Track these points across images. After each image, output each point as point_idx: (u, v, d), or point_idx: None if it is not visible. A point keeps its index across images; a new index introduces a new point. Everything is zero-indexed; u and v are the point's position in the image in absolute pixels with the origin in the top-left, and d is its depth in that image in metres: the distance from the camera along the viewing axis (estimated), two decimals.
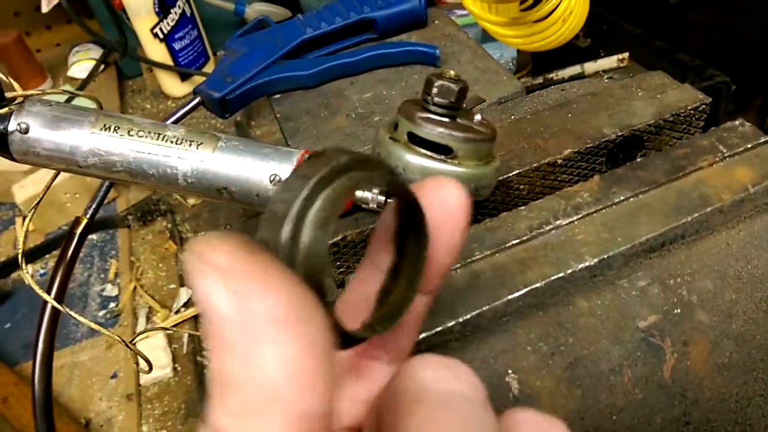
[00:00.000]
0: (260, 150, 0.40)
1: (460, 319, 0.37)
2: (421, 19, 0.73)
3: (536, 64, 1.40)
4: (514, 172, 0.44)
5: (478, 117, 0.39)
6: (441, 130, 0.36)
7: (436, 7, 0.76)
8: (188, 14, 1.12)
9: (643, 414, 0.38)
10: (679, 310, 0.39)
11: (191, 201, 0.95)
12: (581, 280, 0.38)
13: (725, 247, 0.40)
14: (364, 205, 0.42)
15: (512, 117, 0.50)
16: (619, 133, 0.45)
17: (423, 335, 0.36)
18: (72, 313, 0.46)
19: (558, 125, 0.47)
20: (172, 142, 0.39)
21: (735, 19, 1.99)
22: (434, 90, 0.36)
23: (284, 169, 0.40)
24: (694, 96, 0.46)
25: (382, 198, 0.42)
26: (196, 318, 0.82)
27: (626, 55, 1.35)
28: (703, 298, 0.39)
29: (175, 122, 0.68)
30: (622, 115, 0.46)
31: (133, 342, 0.54)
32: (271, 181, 0.39)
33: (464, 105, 0.63)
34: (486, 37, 1.21)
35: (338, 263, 0.42)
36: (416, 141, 0.37)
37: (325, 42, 0.71)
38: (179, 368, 0.78)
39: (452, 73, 0.37)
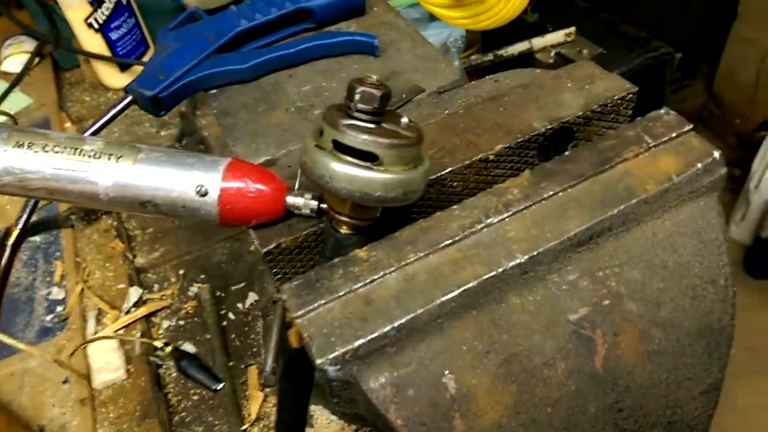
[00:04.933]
0: (184, 160, 0.39)
1: (395, 324, 0.37)
2: (360, 7, 0.72)
3: (485, 42, 1.40)
4: (446, 170, 0.44)
5: (404, 120, 0.39)
6: (365, 137, 0.36)
7: None
8: (124, 2, 1.07)
9: (577, 404, 0.39)
10: (608, 302, 0.40)
11: None
12: (513, 278, 0.39)
13: (651, 237, 0.41)
14: (296, 211, 0.42)
15: (446, 111, 0.50)
16: (549, 126, 0.45)
17: (358, 342, 0.36)
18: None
19: (490, 120, 0.47)
20: (90, 156, 0.38)
21: None
22: (356, 96, 0.36)
23: (210, 178, 0.39)
24: (621, 85, 0.47)
25: (314, 203, 0.41)
26: (147, 318, 0.81)
27: (573, 29, 1.36)
28: (631, 288, 0.40)
29: (108, 122, 0.66)
30: (551, 108, 0.46)
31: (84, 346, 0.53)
32: (197, 192, 0.38)
33: (404, 95, 0.62)
34: (433, 16, 1.20)
35: (274, 271, 0.42)
36: (342, 148, 0.36)
37: (260, 33, 0.69)
38: (132, 370, 0.77)
39: (374, 77, 0.36)
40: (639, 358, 0.40)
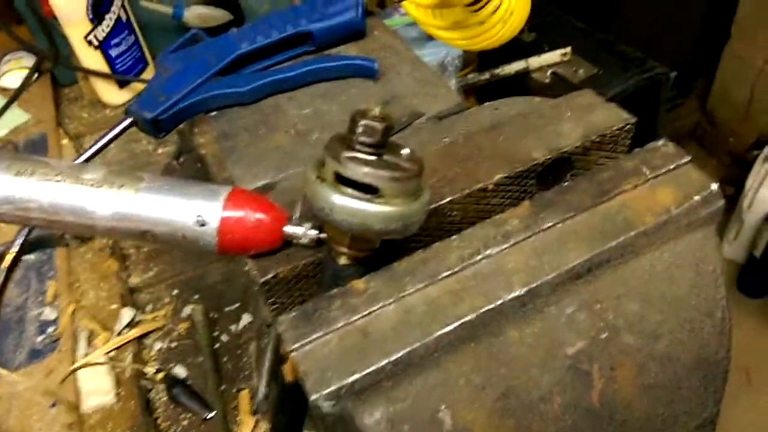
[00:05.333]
0: (185, 189, 0.39)
1: (392, 358, 0.36)
2: (360, 31, 0.72)
3: (482, 61, 1.41)
4: (446, 200, 0.44)
5: (405, 151, 0.39)
6: (366, 170, 0.36)
7: (375, 17, 0.76)
8: (124, 20, 1.08)
9: None
10: (606, 335, 0.40)
11: None
12: (511, 310, 0.39)
13: (650, 269, 0.41)
14: (295, 241, 0.42)
15: (446, 139, 0.50)
16: (548, 156, 0.45)
17: (354, 377, 0.35)
18: None
19: (489, 149, 0.47)
20: (90, 185, 0.37)
21: (675, 9, 2.04)
22: (359, 129, 0.36)
23: (211, 208, 0.39)
24: (620, 116, 0.47)
25: (314, 233, 0.41)
26: (138, 340, 0.81)
27: (569, 49, 1.37)
28: (629, 321, 0.40)
29: (108, 144, 0.66)
30: (550, 137, 0.47)
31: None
32: (196, 222, 0.38)
33: (403, 119, 0.63)
34: (431, 36, 1.21)
35: (271, 300, 0.42)
36: (343, 180, 0.36)
37: (261, 56, 0.69)
38: (122, 393, 0.76)
39: (377, 111, 0.36)
40: (636, 392, 0.40)
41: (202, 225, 0.38)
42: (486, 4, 0.96)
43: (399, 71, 0.69)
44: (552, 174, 0.47)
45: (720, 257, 0.43)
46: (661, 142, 0.45)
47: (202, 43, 0.70)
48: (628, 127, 0.47)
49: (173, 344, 0.80)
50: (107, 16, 1.04)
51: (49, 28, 1.06)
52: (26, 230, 0.53)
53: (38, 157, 0.38)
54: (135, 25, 1.10)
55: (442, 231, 0.45)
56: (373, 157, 0.36)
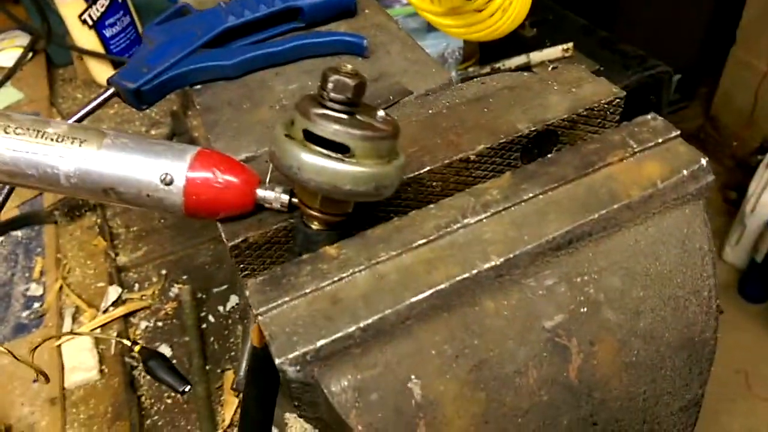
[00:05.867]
0: (152, 147, 0.38)
1: (362, 324, 0.35)
2: (350, 8, 0.71)
3: (483, 54, 1.39)
4: (425, 169, 0.43)
5: (380, 113, 0.37)
6: (337, 127, 0.34)
7: None
8: (119, 0, 1.07)
9: (550, 416, 0.37)
10: (585, 309, 0.38)
11: None
12: (487, 280, 0.37)
13: (633, 243, 0.40)
14: (267, 205, 0.40)
15: (429, 111, 0.49)
16: (533, 128, 0.44)
17: (321, 342, 0.34)
18: None
19: (473, 120, 0.45)
20: (52, 139, 0.36)
21: (680, 13, 2.03)
22: (329, 85, 0.34)
23: (177, 167, 0.37)
24: (609, 90, 0.46)
25: (285, 197, 0.40)
26: (125, 318, 0.79)
27: (570, 45, 1.35)
28: (610, 296, 0.39)
29: (89, 113, 0.65)
30: (536, 110, 0.45)
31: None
32: (161, 180, 0.37)
33: (390, 97, 0.61)
34: (431, 27, 1.20)
35: (241, 266, 0.40)
36: (313, 139, 0.35)
37: (249, 30, 0.68)
38: (106, 370, 0.75)
39: (349, 67, 0.35)
40: (616, 370, 0.39)
41: (168, 184, 0.37)
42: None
43: (389, 50, 0.67)
44: (537, 147, 0.45)
45: (708, 234, 0.41)
46: (649, 116, 0.44)
47: (189, 16, 0.68)
48: (616, 101, 0.45)
49: (160, 323, 0.79)
50: None
51: (44, 6, 1.06)
52: (4, 194, 0.51)
53: (1, 111, 0.37)
54: (130, 6, 1.10)
55: (420, 202, 0.44)
56: (344, 115, 0.35)
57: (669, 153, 0.42)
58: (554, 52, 1.35)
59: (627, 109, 0.48)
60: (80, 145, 0.36)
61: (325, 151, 0.34)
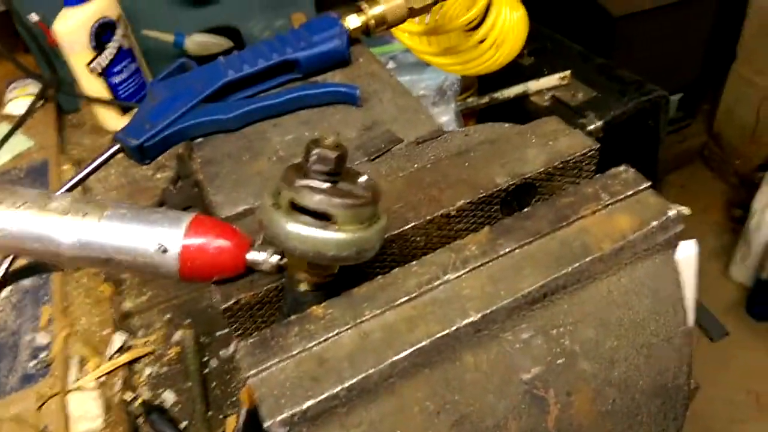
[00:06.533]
0: (148, 217, 0.40)
1: (347, 384, 0.37)
2: (344, 58, 0.74)
3: (482, 85, 1.42)
4: (409, 226, 0.45)
5: (362, 179, 0.40)
6: (319, 197, 0.37)
7: (360, 45, 0.77)
8: (126, 48, 1.11)
9: None
10: (562, 360, 0.40)
11: None
12: (467, 336, 0.39)
13: (606, 294, 0.41)
14: (257, 267, 0.43)
15: (415, 165, 0.51)
16: (511, 182, 0.46)
17: (308, 404, 0.36)
18: None
19: (455, 175, 0.48)
20: (56, 213, 0.39)
21: (680, 29, 2.05)
22: (312, 158, 0.37)
23: (172, 235, 0.40)
24: (583, 142, 0.48)
25: (275, 259, 0.42)
26: (129, 365, 0.81)
27: (568, 73, 1.38)
28: (585, 347, 0.40)
29: (95, 170, 0.68)
30: (515, 164, 0.47)
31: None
32: (158, 249, 0.39)
33: (383, 145, 0.64)
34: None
35: (234, 326, 0.43)
36: (298, 208, 0.37)
37: (248, 84, 0.71)
38: (111, 419, 0.76)
39: (331, 139, 0.37)
40: (593, 419, 0.40)
41: (164, 252, 0.39)
42: (477, 27, 0.98)
43: (381, 98, 0.70)
44: (517, 200, 0.47)
45: (679, 282, 0.43)
46: (622, 168, 0.46)
47: (190, 71, 0.72)
48: (591, 153, 0.47)
49: (163, 369, 0.81)
50: (109, 45, 1.07)
51: (52, 56, 1.10)
52: (8, 262, 0.54)
53: (8, 186, 0.39)
54: (137, 53, 1.14)
55: (405, 256, 0.46)
56: (326, 185, 0.37)
57: (639, 204, 0.44)
58: (551, 80, 1.38)
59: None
60: (83, 218, 0.39)
61: (309, 220, 0.37)
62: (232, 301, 0.42)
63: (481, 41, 1.01)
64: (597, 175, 0.46)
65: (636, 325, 0.41)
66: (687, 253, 0.49)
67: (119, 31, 1.08)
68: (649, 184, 0.45)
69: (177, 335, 0.83)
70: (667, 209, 0.43)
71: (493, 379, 0.39)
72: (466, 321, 0.39)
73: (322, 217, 0.37)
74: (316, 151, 0.37)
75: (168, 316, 0.85)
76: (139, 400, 0.59)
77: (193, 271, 0.40)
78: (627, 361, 0.41)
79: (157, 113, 0.67)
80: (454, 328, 0.39)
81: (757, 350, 1.71)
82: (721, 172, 2.16)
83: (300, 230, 0.37)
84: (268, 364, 0.38)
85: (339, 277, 0.43)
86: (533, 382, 0.39)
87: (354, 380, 0.37)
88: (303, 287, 0.41)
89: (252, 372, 0.37)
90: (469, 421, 0.38)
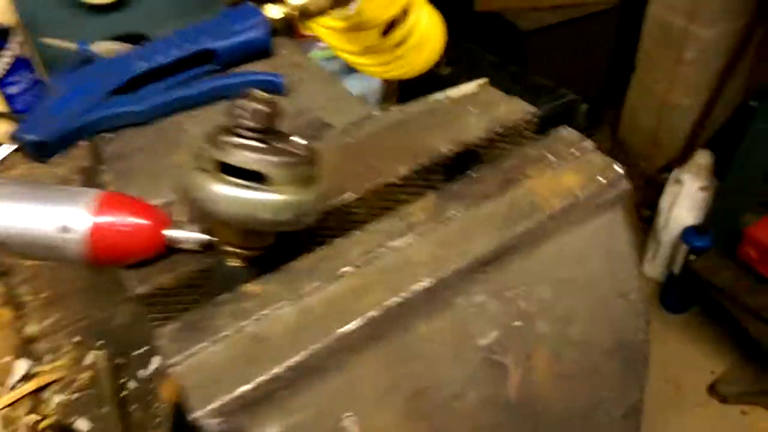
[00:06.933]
0: (47, 194, 0.35)
1: (288, 363, 0.33)
2: (266, 49, 0.70)
3: (402, 94, 1.42)
4: (348, 195, 0.41)
5: (298, 140, 0.36)
6: (251, 155, 0.33)
7: (285, 37, 0.74)
8: (23, 57, 1.02)
9: None
10: (519, 322, 0.38)
11: (29, 261, 0.85)
12: (418, 304, 0.36)
13: (559, 253, 0.40)
14: (179, 246, 0.38)
15: (351, 140, 0.48)
16: (453, 149, 0.44)
17: (243, 388, 0.31)
18: None
19: (394, 145, 0.45)
20: None
21: (586, 43, 2.16)
22: (241, 113, 0.33)
23: (77, 214, 0.35)
24: (523, 108, 0.47)
25: (198, 236, 0.38)
26: (36, 394, 0.72)
27: (485, 80, 1.40)
28: (541, 307, 0.38)
29: None
30: (455, 131, 0.45)
31: None
32: (60, 229, 0.34)
33: (311, 132, 0.60)
34: (350, 69, 1.21)
35: (155, 315, 0.37)
36: (227, 169, 0.33)
37: (163, 75, 0.66)
38: None
39: (261, 93, 0.34)
40: (554, 381, 0.38)
41: (67, 233, 0.34)
42: (394, 28, 0.97)
43: (307, 87, 0.67)
44: (460, 167, 0.45)
45: (631, 238, 0.42)
46: (564, 130, 0.45)
47: (96, 63, 0.66)
48: (530, 117, 0.46)
49: (75, 396, 0.73)
50: (4, 53, 0.98)
51: None
52: None
53: None
54: (37, 62, 1.05)
55: (346, 231, 0.42)
56: (258, 143, 0.33)
57: (585, 163, 0.43)
58: (470, 87, 1.40)
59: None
60: None
61: (240, 181, 0.33)
62: (148, 286, 0.36)
63: (399, 43, 1.00)
64: (539, 138, 0.45)
65: (590, 282, 0.40)
66: None
67: (15, 39, 0.99)
68: (592, 143, 0.44)
69: (88, 358, 0.75)
70: (613, 166, 0.42)
71: (449, 348, 0.36)
72: (417, 287, 0.36)
73: (254, 178, 0.33)
74: (244, 104, 0.33)
75: (77, 338, 0.77)
76: (41, 426, 0.52)
77: (105, 254, 0.35)
78: (584, 319, 0.39)
79: (59, 107, 0.61)
80: (405, 295, 0.36)
81: (673, 342, 1.78)
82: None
83: (228, 192, 0.32)
84: (196, 348, 0.33)
85: (274, 253, 0.38)
86: (491, 347, 0.37)
87: (296, 359, 0.33)
88: (234, 262, 0.36)
89: (177, 359, 0.32)
90: (426, 394, 0.35)
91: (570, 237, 0.40)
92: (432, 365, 0.36)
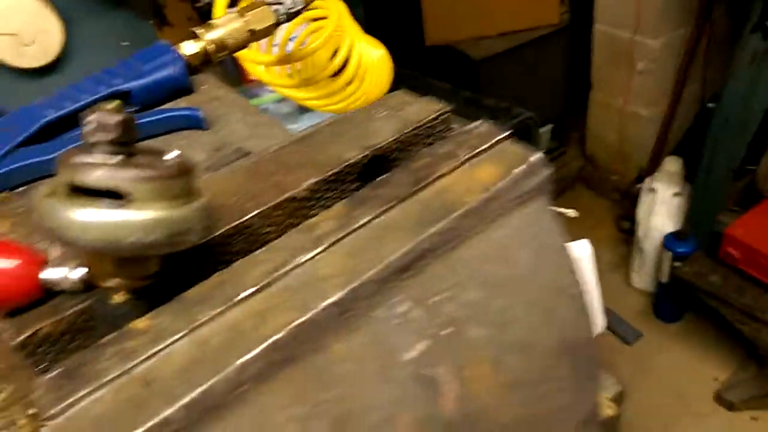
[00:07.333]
0: None
1: (180, 403, 0.29)
2: (184, 86, 0.68)
3: None
4: (250, 215, 0.38)
5: (168, 154, 0.33)
6: (101, 171, 0.29)
7: (204, 73, 0.72)
8: None
9: None
10: (448, 330, 0.34)
11: None
12: (331, 320, 0.32)
13: (483, 251, 0.36)
14: (57, 288, 0.34)
15: (253, 160, 0.45)
16: (361, 155, 0.41)
17: None
18: None
19: (298, 159, 0.42)
20: None
21: (538, 66, 2.19)
22: (89, 127, 0.30)
23: None
24: (434, 107, 0.44)
25: (75, 274, 0.33)
26: None
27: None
28: (472, 312, 0.35)
29: None
30: (363, 138, 0.43)
31: None
32: None
33: (227, 161, 0.57)
34: (303, 109, 1.20)
35: (35, 363, 0.33)
36: (80, 191, 0.29)
37: (75, 122, 0.63)
38: None
39: (113, 104, 0.30)
40: (499, 393, 0.34)
41: None
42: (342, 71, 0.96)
43: (229, 119, 0.65)
44: (372, 174, 0.42)
45: (559, 229, 0.39)
46: (474, 124, 0.42)
47: (4, 116, 0.63)
48: (443, 116, 0.44)
49: None
50: None
51: None
52: None
53: None
54: None
55: (255, 252, 0.39)
56: (113, 159, 0.30)
57: (500, 155, 0.40)
58: None
59: None
60: None
61: (91, 201, 0.29)
62: (28, 333, 0.32)
63: (349, 83, 0.99)
64: (449, 134, 0.42)
65: (522, 279, 0.36)
66: (582, 253, 0.46)
67: None
68: (507, 133, 0.41)
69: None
70: (530, 154, 0.39)
71: (372, 366, 0.32)
72: (326, 302, 0.32)
73: (112, 197, 0.29)
74: (92, 117, 0.30)
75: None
76: None
77: None
78: (522, 320, 0.35)
79: None
80: (313, 312, 0.32)
81: (672, 351, 1.74)
82: (601, 190, 2.26)
83: (85, 215, 0.29)
84: (77, 396, 0.29)
85: (168, 281, 0.34)
86: (419, 360, 0.33)
87: (189, 397, 0.29)
88: (117, 298, 0.32)
89: (56, 410, 0.28)
90: (350, 422, 0.31)
91: (492, 233, 0.37)
92: (355, 387, 0.31)
